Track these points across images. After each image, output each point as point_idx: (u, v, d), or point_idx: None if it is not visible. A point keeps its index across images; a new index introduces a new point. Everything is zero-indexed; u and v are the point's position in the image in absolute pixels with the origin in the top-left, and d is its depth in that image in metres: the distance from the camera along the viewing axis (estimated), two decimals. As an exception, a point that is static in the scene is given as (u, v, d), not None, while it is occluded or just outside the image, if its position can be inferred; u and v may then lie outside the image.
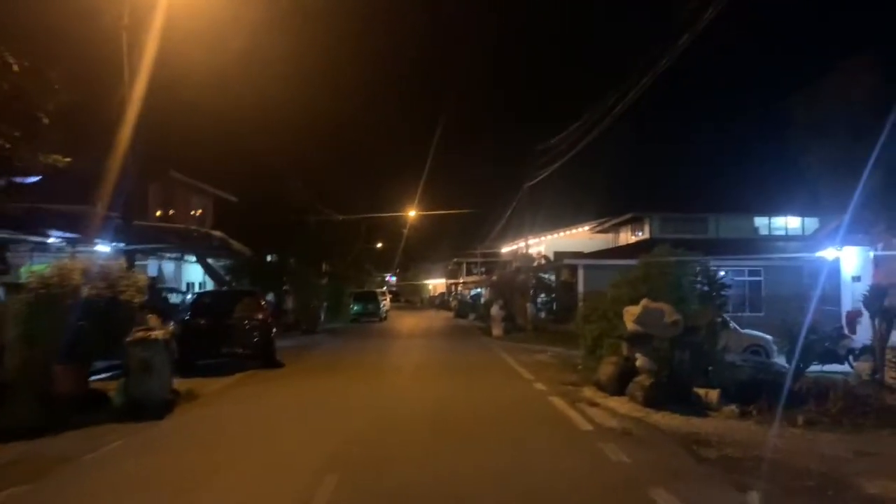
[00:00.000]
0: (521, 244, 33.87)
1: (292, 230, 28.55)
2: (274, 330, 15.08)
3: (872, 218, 17.36)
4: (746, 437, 8.80)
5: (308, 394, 11.63)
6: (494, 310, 25.25)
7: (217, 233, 19.72)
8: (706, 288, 13.23)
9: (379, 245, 67.13)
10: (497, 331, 24.60)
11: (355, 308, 36.64)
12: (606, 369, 11.78)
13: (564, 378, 13.28)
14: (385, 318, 39.07)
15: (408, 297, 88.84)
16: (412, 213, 46.84)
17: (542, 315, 27.99)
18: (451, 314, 47.66)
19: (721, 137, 57.64)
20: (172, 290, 21.65)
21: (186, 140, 27.23)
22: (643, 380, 11.05)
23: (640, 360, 11.68)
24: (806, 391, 11.45)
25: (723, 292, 13.35)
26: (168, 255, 23.87)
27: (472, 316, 40.27)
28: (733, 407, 10.78)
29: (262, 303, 15.31)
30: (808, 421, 10.06)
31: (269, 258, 33.38)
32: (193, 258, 23.65)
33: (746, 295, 26.03)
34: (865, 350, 15.93)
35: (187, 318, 14.27)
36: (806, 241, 29.90)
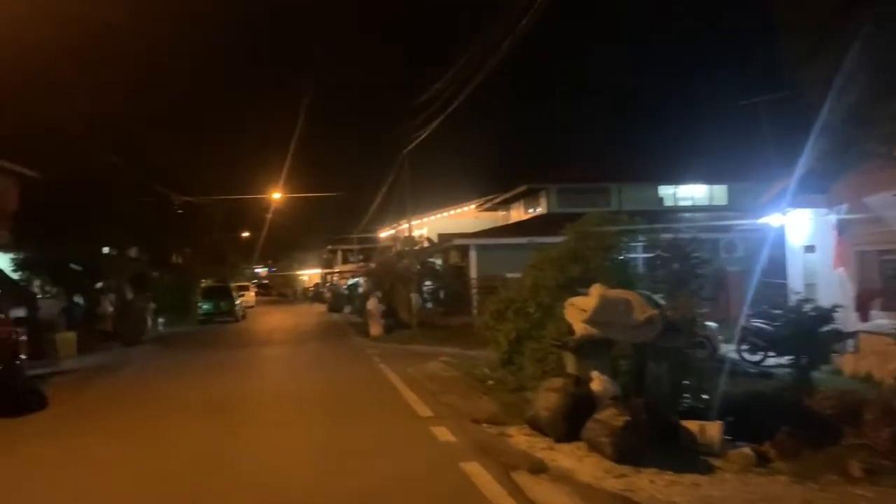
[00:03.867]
0: (403, 225, 29.32)
1: (122, 215, 22.59)
2: (22, 356, 9.64)
3: (832, 173, 13.99)
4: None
5: (36, 474, 6.52)
6: (371, 303, 20.50)
7: None
8: (676, 266, 9.14)
9: (246, 234, 60.81)
10: (375, 329, 19.88)
11: (204, 307, 30.52)
12: (547, 400, 7.38)
13: (475, 407, 8.83)
14: (243, 316, 33.22)
15: (280, 290, 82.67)
16: (277, 196, 41.16)
17: (429, 306, 23.53)
18: (324, 308, 42.47)
19: (620, 103, 55.06)
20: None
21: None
22: (610, 418, 6.74)
23: (598, 382, 7.39)
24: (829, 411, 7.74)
25: (699, 272, 9.31)
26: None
27: (347, 309, 35.35)
28: (745, 449, 6.81)
29: (1, 313, 9.83)
30: (867, 470, 6.30)
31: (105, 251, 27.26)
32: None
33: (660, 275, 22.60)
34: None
35: None
36: (716, 211, 27.14)
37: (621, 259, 10.45)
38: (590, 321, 7.48)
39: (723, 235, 23.81)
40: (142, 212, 25.71)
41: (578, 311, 7.69)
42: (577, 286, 10.56)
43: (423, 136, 19.99)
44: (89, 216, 20.24)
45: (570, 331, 8.32)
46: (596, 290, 7.68)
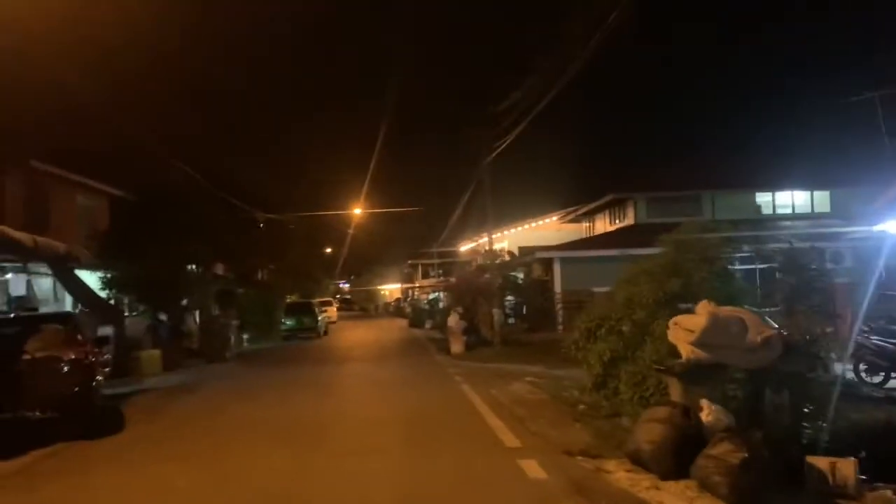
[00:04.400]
0: (483, 239, 28.71)
1: (205, 232, 22.89)
2: (98, 377, 9.46)
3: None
4: None
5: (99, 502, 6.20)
6: (452, 320, 19.87)
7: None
8: (791, 279, 8.14)
9: (328, 250, 61.56)
10: (457, 347, 19.25)
11: (287, 323, 30.67)
12: (650, 432, 6.55)
13: (567, 436, 8.05)
14: (326, 332, 33.20)
15: (362, 305, 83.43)
16: (357, 211, 41.38)
17: (511, 322, 22.78)
18: (405, 323, 42.23)
19: (711, 104, 52.50)
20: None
21: (75, 135, 21.87)
22: (725, 454, 5.88)
23: (709, 412, 6.51)
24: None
25: (819, 286, 8.28)
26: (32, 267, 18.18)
27: (428, 324, 34.92)
28: (886, 491, 5.91)
29: (78, 334, 9.67)
30: None
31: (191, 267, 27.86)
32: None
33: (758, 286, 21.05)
34: None
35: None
36: (818, 219, 25.30)
37: (726, 272, 9.47)
38: (698, 343, 6.62)
39: (828, 245, 22.12)
40: (226, 228, 26.09)
41: (684, 331, 6.84)
42: (677, 302, 9.68)
43: (504, 145, 19.34)
44: (174, 233, 20.49)
45: (674, 353, 7.49)
46: (705, 308, 6.82)
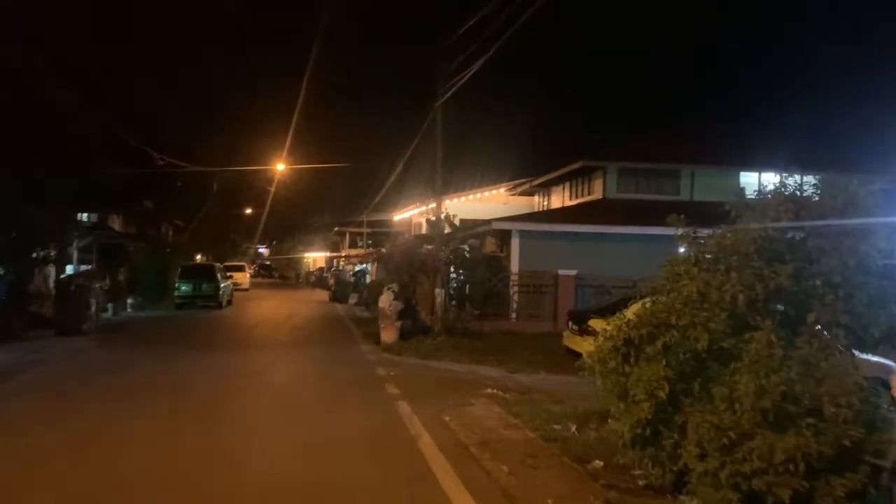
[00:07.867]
0: (424, 207, 24.62)
1: (77, 168, 18.04)
2: None
3: None
4: None
5: None
6: (384, 300, 15.50)
7: None
8: None
9: (249, 210, 56.26)
10: (389, 334, 14.90)
11: (182, 288, 25.42)
12: None
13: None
14: (229, 302, 28.13)
15: (283, 273, 78.18)
16: (280, 167, 36.34)
17: (454, 304, 18.65)
18: (327, 295, 37.64)
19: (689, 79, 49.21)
20: None
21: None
22: None
23: None
24: None
25: None
26: None
27: (353, 299, 30.58)
28: None
29: None
30: None
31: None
32: None
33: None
34: None
35: None
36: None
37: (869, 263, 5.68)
38: None
39: (830, 238, 18.98)
40: (109, 168, 21.20)
41: None
42: (776, 303, 5.87)
43: (462, 81, 15.15)
44: (23, 161, 15.61)
45: (792, 399, 3.63)
46: None
